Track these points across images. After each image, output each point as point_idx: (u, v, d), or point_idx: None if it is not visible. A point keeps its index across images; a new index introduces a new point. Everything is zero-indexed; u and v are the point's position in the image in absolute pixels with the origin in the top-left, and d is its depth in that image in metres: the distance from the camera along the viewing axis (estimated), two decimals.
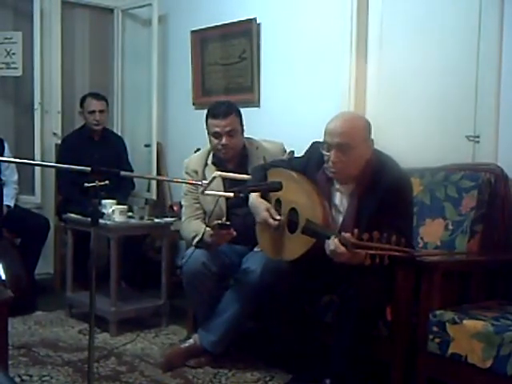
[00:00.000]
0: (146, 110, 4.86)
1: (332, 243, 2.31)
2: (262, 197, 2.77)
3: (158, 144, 4.84)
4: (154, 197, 4.77)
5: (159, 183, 4.77)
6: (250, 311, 2.98)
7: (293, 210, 2.64)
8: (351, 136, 2.49)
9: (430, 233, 2.94)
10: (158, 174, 4.80)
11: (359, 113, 3.51)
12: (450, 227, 2.88)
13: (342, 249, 2.27)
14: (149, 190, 4.82)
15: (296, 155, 3.40)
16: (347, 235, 2.28)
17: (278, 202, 2.74)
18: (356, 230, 2.26)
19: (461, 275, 2.62)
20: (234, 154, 3.16)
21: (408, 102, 3.52)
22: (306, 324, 2.72)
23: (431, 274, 2.50)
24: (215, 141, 3.13)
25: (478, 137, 3.20)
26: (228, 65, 4.41)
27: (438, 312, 2.47)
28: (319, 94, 3.85)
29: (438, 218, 2.94)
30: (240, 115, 3.18)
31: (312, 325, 2.74)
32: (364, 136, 2.53)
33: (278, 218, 2.67)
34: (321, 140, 2.59)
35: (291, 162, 2.88)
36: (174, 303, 3.77)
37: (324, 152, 2.55)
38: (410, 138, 3.48)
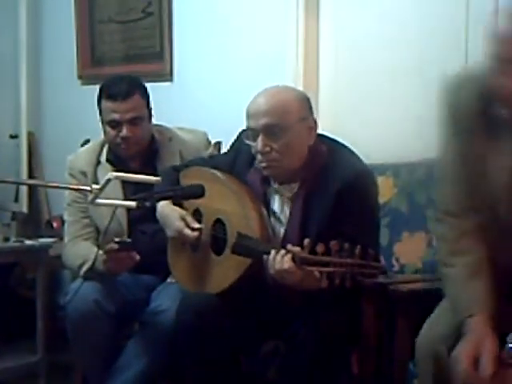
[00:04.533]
0: (11, 86, 4.78)
1: (276, 259, 2.33)
2: (176, 205, 2.77)
3: (29, 134, 4.78)
4: (25, 209, 4.69)
5: (32, 190, 4.71)
6: (162, 366, 2.97)
7: (218, 223, 2.66)
8: (281, 114, 2.53)
9: (409, 251, 3.00)
10: (30, 176, 4.74)
11: (305, 88, 3.56)
12: (435, 243, 2.93)
13: (290, 264, 2.29)
14: (17, 200, 4.75)
15: (224, 148, 3.42)
16: (295, 249, 2.30)
17: (198, 212, 2.75)
18: (307, 241, 2.29)
19: None
20: (138, 148, 3.15)
21: (376, 80, 3.57)
22: (240, 382, 2.72)
23: (410, 308, 2.55)
24: (112, 132, 3.12)
25: None
26: (128, 22, 4.40)
27: None
28: (255, 66, 3.88)
29: (418, 231, 3.01)
30: (147, 95, 3.19)
31: (249, 383, 2.75)
32: (299, 113, 2.57)
33: (198, 226, 2.68)
34: None
35: (213, 160, 2.90)
36: (56, 359, 3.72)
37: (249, 142, 2.58)
38: (380, 125, 3.54)
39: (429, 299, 2.61)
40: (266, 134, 2.53)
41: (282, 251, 2.34)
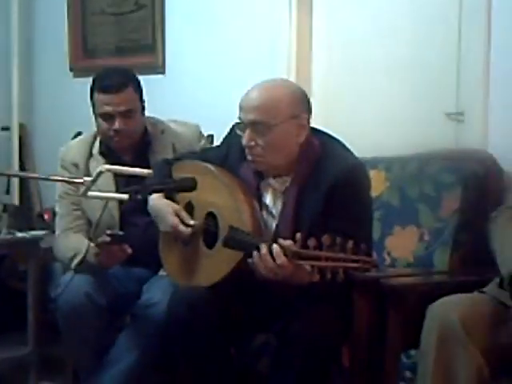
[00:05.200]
0: (2, 78, 4.76)
1: (266, 253, 2.33)
2: (168, 198, 2.76)
3: (20, 126, 4.76)
4: (16, 201, 4.67)
5: (23, 182, 4.70)
6: (152, 359, 2.97)
7: (210, 216, 2.65)
8: (270, 111, 2.53)
9: (400, 245, 3.00)
10: (22, 168, 4.72)
11: (297, 83, 3.55)
12: (426, 237, 2.95)
13: (282, 258, 2.29)
14: (8, 192, 4.73)
15: (216, 141, 3.42)
16: (287, 242, 2.30)
17: (190, 206, 2.74)
18: (299, 235, 2.28)
19: None
20: (131, 141, 3.14)
21: (369, 74, 3.59)
22: (231, 375, 2.72)
23: (402, 302, 2.55)
24: (105, 124, 3.11)
25: (461, 114, 3.29)
26: (120, 15, 4.39)
27: (412, 352, 2.52)
28: (248, 59, 3.89)
29: (409, 225, 3.01)
30: (139, 87, 3.18)
31: (240, 376, 2.75)
32: (290, 111, 2.56)
33: (192, 222, 2.67)
34: None
35: (205, 154, 2.89)
36: (47, 351, 3.71)
37: (240, 133, 2.60)
38: (372, 119, 3.55)
39: (420, 293, 2.63)
40: (252, 129, 2.54)
41: (274, 245, 2.33)
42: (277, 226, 2.61)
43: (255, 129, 2.54)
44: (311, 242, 2.25)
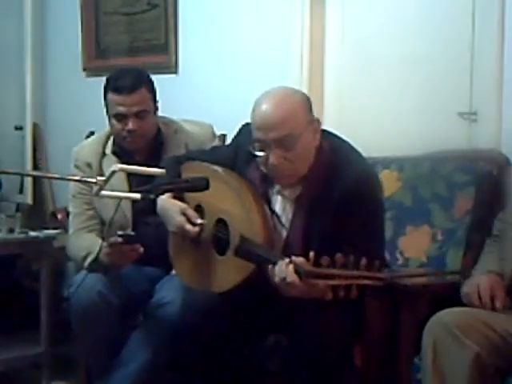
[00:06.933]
0: (16, 77, 4.78)
1: (281, 270, 2.29)
2: (177, 199, 2.76)
3: (34, 126, 4.79)
4: (30, 201, 4.70)
5: (36, 181, 4.71)
6: (166, 359, 2.97)
7: (221, 223, 2.63)
8: (292, 123, 2.45)
9: (413, 245, 3.00)
10: (35, 168, 4.74)
11: (310, 83, 3.57)
12: (439, 237, 2.95)
13: (294, 277, 2.25)
14: (21, 192, 4.75)
15: (229, 141, 3.42)
16: (300, 260, 2.26)
17: (199, 209, 2.72)
18: (312, 254, 2.25)
19: (454, 303, 2.67)
20: (144, 141, 3.15)
21: (381, 73, 3.59)
22: (243, 374, 2.73)
23: (414, 301, 2.55)
24: (118, 125, 3.11)
25: (474, 114, 3.28)
26: (133, 14, 4.41)
27: None
28: (260, 59, 3.89)
29: (422, 224, 3.01)
30: (153, 88, 3.18)
31: (252, 375, 2.75)
32: (306, 117, 2.50)
33: (200, 221, 2.65)
34: None
35: (215, 153, 2.87)
36: (60, 351, 3.72)
37: (256, 152, 2.52)
38: (384, 119, 3.55)
39: (433, 293, 2.62)
40: (278, 145, 2.45)
41: (286, 262, 2.29)
42: (287, 236, 2.58)
43: (282, 144, 2.45)
44: (324, 261, 2.20)
